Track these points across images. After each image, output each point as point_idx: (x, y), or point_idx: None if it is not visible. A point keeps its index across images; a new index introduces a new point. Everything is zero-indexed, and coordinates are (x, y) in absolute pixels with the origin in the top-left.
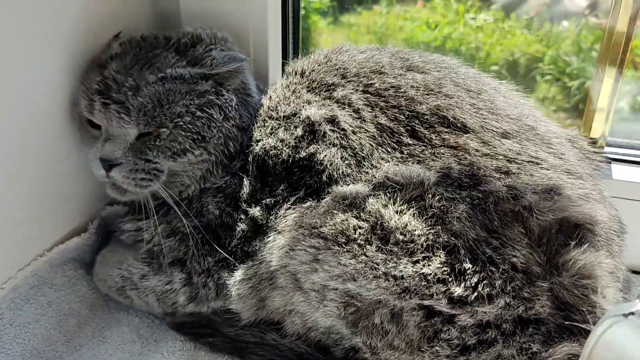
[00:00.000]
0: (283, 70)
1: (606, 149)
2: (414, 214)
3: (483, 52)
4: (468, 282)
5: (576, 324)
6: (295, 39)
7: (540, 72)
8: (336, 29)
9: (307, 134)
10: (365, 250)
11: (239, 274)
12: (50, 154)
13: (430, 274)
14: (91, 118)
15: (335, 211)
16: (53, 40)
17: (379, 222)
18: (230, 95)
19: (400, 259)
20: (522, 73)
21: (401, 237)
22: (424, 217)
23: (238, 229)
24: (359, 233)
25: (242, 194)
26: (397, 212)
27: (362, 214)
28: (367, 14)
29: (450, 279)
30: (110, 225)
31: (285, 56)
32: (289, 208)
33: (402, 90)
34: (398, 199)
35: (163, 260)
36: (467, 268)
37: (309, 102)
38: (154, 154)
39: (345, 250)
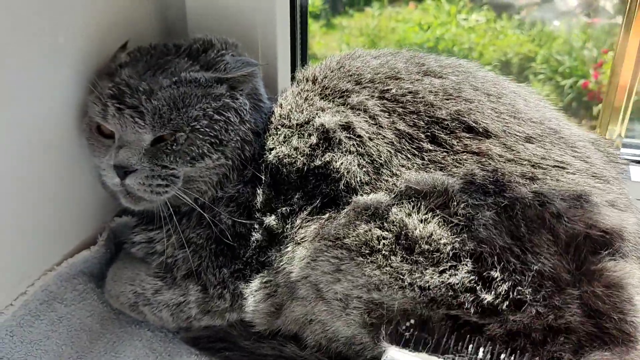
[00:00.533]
0: (292, 77)
1: (622, 150)
2: (438, 222)
3: (476, 53)
4: (497, 291)
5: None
6: (303, 46)
7: (533, 71)
8: (329, 31)
9: (321, 141)
10: (390, 261)
11: (255, 284)
12: (58, 166)
13: (458, 284)
14: (104, 124)
15: (357, 222)
16: (61, 49)
17: (403, 232)
18: (244, 99)
19: (426, 268)
20: (515, 72)
21: (426, 247)
22: (450, 225)
23: (252, 238)
24: (383, 244)
25: (256, 203)
26: (421, 221)
27: (385, 224)
28: (359, 16)
29: (478, 288)
30: (119, 237)
31: (293, 63)
32: (307, 218)
33: (420, 95)
34: (422, 207)
35: (177, 273)
36: (495, 276)
37: (322, 110)
38: (170, 159)
39: (369, 261)
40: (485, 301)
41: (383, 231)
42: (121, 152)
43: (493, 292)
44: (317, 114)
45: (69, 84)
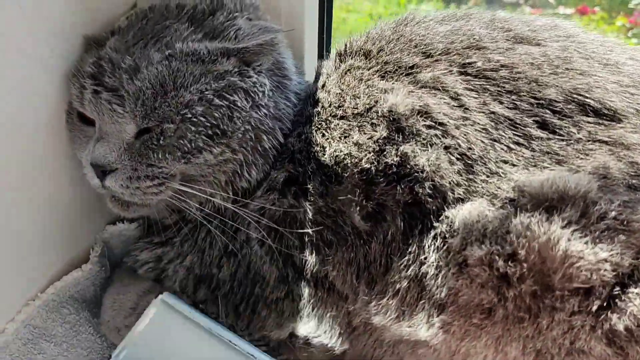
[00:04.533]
0: (322, 51)
1: None
2: (584, 240)
3: None
4: None
5: None
6: (329, 11)
7: None
8: None
9: (393, 133)
10: None
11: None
12: (36, 166)
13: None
14: (82, 111)
15: (474, 244)
16: (45, 26)
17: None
18: (262, 78)
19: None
20: None
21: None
22: (601, 240)
23: (301, 261)
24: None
25: (302, 218)
26: (563, 240)
27: (506, 247)
28: None
29: None
30: (113, 250)
31: (321, 32)
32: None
33: (518, 70)
34: (556, 220)
35: (199, 300)
36: None
37: (386, 91)
38: (158, 156)
39: None
40: None
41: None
42: (98, 147)
43: None
44: (381, 97)
45: (47, 66)
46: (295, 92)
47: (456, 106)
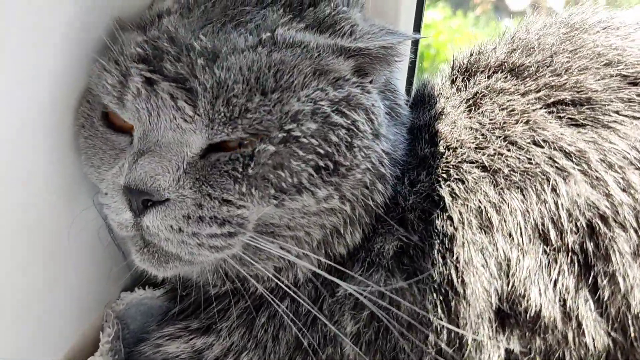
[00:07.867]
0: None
1: None
2: None
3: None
4: None
5: None
6: (418, 13)
7: None
8: None
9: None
10: None
11: None
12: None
13: None
14: (117, 110)
15: None
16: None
17: None
18: (378, 99)
19: None
20: None
21: None
22: None
23: None
24: None
25: (415, 311)
26: None
27: None
28: None
29: None
30: (129, 326)
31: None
32: None
33: None
34: None
35: None
36: None
37: (568, 154)
38: (239, 189)
39: None
40: None
41: None
42: (142, 163)
43: None
44: (558, 139)
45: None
46: (404, 123)
47: None
